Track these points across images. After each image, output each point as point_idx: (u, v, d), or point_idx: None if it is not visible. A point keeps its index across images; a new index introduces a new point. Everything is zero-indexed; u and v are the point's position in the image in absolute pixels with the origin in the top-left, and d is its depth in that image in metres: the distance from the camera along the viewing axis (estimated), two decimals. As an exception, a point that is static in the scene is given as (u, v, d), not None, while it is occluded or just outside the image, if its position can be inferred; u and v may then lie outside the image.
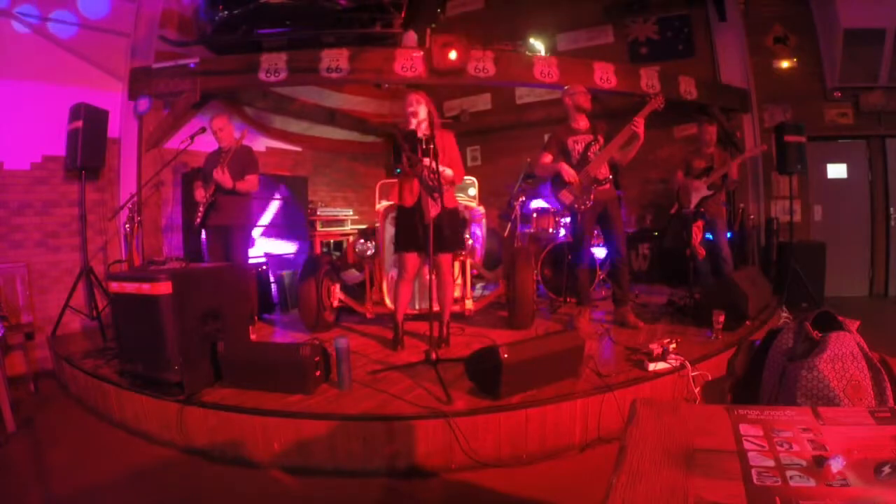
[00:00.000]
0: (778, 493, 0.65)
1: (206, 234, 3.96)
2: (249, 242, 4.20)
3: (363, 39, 4.61)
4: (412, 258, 3.33)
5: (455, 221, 3.40)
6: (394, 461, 2.37)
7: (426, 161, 3.00)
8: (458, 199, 5.14)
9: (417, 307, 3.93)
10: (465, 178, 5.94)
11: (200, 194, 3.79)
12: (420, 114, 3.19)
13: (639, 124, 3.50)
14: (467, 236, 3.97)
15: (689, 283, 4.34)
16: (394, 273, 3.75)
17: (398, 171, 3.17)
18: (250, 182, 3.87)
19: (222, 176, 3.68)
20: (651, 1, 6.35)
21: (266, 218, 5.23)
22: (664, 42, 6.40)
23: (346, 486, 2.29)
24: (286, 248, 5.39)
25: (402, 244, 3.33)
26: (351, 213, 6.54)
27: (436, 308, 3.11)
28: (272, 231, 5.30)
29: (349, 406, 2.49)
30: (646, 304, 4.64)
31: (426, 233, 2.96)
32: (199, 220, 3.79)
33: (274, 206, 5.27)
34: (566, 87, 3.85)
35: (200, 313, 2.80)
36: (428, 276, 3.12)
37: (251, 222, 4.17)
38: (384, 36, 4.60)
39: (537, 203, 5.50)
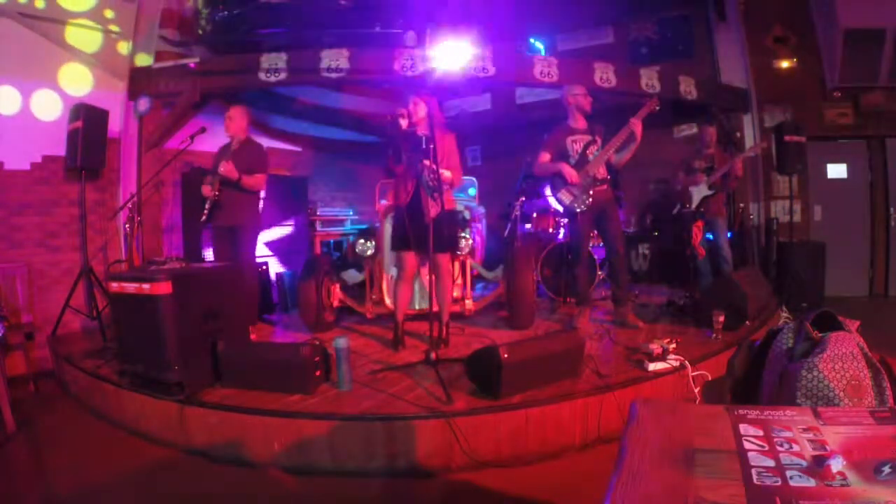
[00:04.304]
0: (778, 493, 0.65)
1: (212, 233, 3.91)
2: (256, 243, 4.15)
3: (363, 39, 4.61)
4: (409, 257, 3.33)
5: (453, 222, 3.41)
6: (394, 461, 2.37)
7: (426, 161, 3.00)
8: (459, 199, 5.15)
9: (417, 307, 3.93)
10: (465, 177, 5.95)
11: (207, 190, 3.72)
12: (417, 114, 3.19)
13: (636, 126, 3.51)
14: (467, 236, 3.97)
15: (689, 283, 4.35)
16: (393, 273, 3.75)
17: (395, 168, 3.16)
18: (257, 180, 3.77)
19: (227, 167, 3.61)
20: (651, 1, 6.35)
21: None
22: (664, 42, 6.40)
23: (346, 486, 2.29)
24: (283, 230, 5.33)
25: (398, 244, 3.33)
26: (351, 213, 6.54)
27: (435, 308, 3.11)
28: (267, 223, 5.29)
29: (349, 406, 2.49)
30: (646, 304, 4.64)
31: (420, 233, 2.95)
32: (203, 217, 3.74)
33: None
34: (569, 87, 3.84)
35: (200, 313, 2.79)
36: (427, 276, 3.12)
37: (259, 223, 4.09)
38: (384, 36, 4.60)
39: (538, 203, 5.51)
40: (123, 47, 4.63)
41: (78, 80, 4.33)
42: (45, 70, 4.20)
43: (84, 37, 4.39)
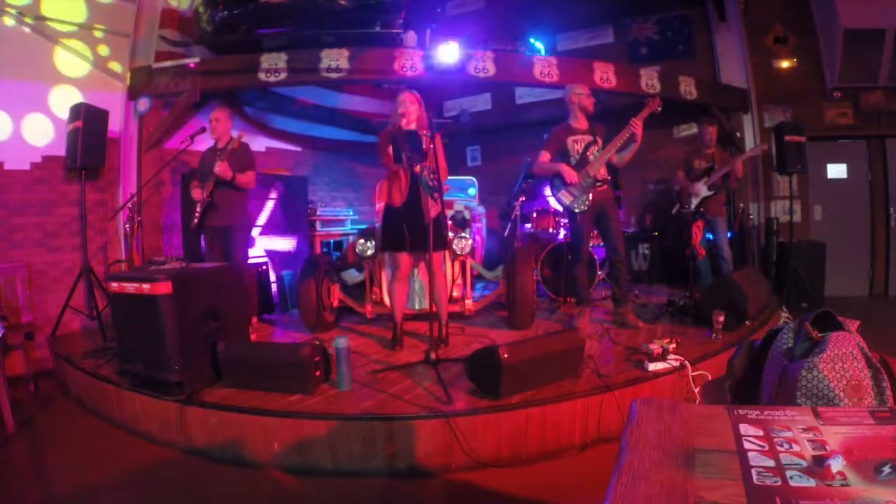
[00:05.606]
0: (778, 493, 0.65)
1: (205, 235, 3.94)
2: (249, 242, 4.20)
3: (363, 39, 4.61)
4: (403, 258, 3.32)
5: (442, 221, 3.38)
6: (394, 461, 2.37)
7: (427, 160, 2.99)
8: (459, 199, 5.15)
9: (417, 307, 3.93)
10: (465, 177, 5.96)
11: (198, 193, 3.76)
12: (410, 114, 3.18)
13: (637, 126, 3.51)
14: (467, 236, 3.97)
15: (689, 283, 4.35)
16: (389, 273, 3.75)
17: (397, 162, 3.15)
18: (249, 177, 3.86)
19: (223, 167, 3.65)
20: (651, 1, 6.36)
21: (262, 218, 5.21)
22: (664, 42, 6.41)
23: (346, 486, 2.29)
24: (286, 244, 5.36)
25: (390, 243, 3.32)
26: (351, 213, 6.54)
27: (433, 308, 3.11)
28: (271, 229, 5.28)
29: (349, 406, 2.50)
30: (646, 304, 4.64)
31: (415, 232, 2.94)
32: (196, 220, 3.78)
33: (269, 205, 5.24)
34: (572, 86, 3.84)
35: (200, 313, 2.80)
36: (423, 276, 3.12)
37: (250, 222, 4.16)
38: (384, 36, 4.60)
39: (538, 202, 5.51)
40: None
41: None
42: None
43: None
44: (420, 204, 3.11)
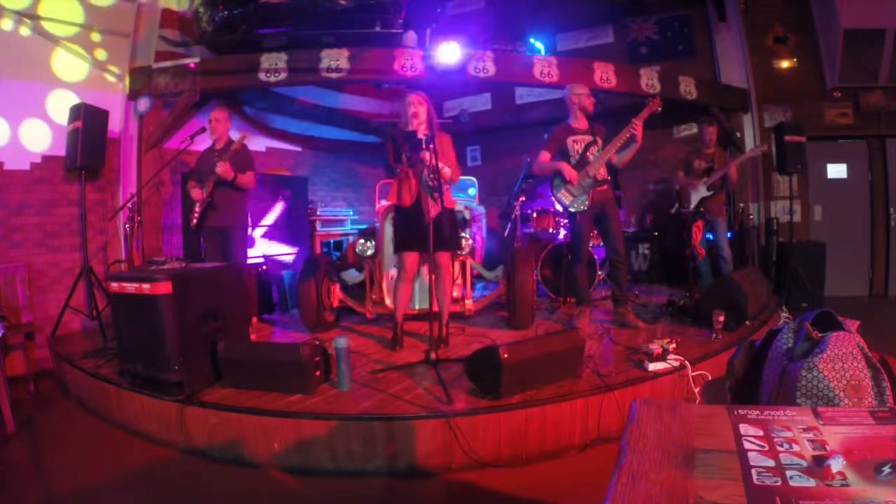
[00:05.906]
0: (778, 493, 0.65)
1: (204, 235, 3.95)
2: (248, 242, 4.21)
3: (363, 39, 4.61)
4: (412, 258, 3.33)
5: (454, 221, 3.41)
6: (394, 461, 2.37)
7: (426, 160, 2.99)
8: (459, 199, 5.15)
9: (417, 307, 3.93)
10: (465, 177, 5.95)
11: (198, 193, 3.78)
12: (421, 114, 3.20)
13: (637, 127, 3.50)
14: (467, 236, 3.97)
15: (689, 283, 4.35)
16: (393, 272, 3.75)
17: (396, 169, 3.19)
18: (250, 177, 3.90)
19: (224, 167, 3.68)
20: (651, 1, 6.35)
21: (269, 218, 5.21)
22: (664, 42, 6.41)
23: (346, 486, 2.29)
24: (284, 249, 5.37)
25: (401, 244, 3.33)
26: (351, 213, 6.55)
27: (435, 308, 3.11)
28: (273, 233, 5.29)
29: (349, 406, 2.50)
30: (646, 304, 4.64)
31: (426, 232, 2.96)
32: (195, 219, 3.79)
33: (278, 207, 5.25)
34: (572, 86, 3.84)
35: (200, 313, 2.80)
36: (427, 276, 3.12)
37: (248, 221, 4.18)
38: (384, 36, 4.60)
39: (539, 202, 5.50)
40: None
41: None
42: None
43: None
44: (427, 204, 3.12)
